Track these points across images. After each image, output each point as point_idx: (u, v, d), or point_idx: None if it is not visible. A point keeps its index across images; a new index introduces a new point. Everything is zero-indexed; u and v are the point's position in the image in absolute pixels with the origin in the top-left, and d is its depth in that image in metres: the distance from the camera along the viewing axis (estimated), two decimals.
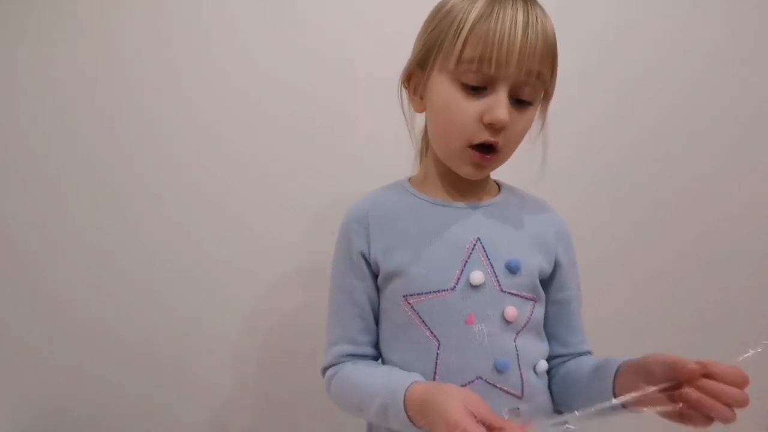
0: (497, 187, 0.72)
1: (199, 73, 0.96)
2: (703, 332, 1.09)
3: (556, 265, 0.67)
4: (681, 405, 0.47)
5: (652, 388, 0.49)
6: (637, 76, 1.04)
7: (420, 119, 0.70)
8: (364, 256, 0.65)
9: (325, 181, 0.98)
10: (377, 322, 0.68)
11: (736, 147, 1.08)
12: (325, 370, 0.68)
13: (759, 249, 1.10)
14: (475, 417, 0.48)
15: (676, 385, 0.48)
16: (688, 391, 0.46)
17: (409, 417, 0.55)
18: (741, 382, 0.45)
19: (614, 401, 0.50)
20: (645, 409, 0.50)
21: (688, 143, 1.07)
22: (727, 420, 0.45)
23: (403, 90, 0.68)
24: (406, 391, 0.56)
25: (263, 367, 1.02)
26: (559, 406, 0.66)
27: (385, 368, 0.64)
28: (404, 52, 0.65)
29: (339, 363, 0.66)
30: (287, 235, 0.99)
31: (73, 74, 0.94)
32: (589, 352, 0.69)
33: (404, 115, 0.69)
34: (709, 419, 0.46)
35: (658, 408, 0.49)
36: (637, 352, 0.56)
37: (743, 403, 0.45)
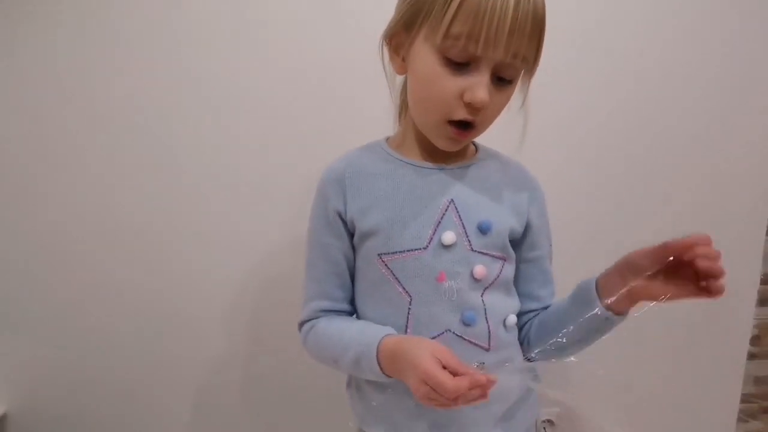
0: (474, 148, 0.73)
1: (193, 29, 0.94)
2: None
3: (528, 226, 0.69)
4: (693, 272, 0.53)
5: (640, 280, 0.56)
6: (620, 53, 1.04)
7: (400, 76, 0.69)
8: (340, 216, 0.66)
9: (322, 140, 0.97)
10: (352, 279, 0.70)
11: (716, 112, 1.09)
12: (301, 324, 0.71)
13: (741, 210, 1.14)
14: (444, 366, 0.52)
15: (658, 272, 0.55)
16: (698, 261, 0.52)
17: (381, 368, 0.58)
18: (710, 242, 0.53)
19: (604, 302, 0.58)
20: (647, 304, 0.57)
21: (666, 118, 1.08)
22: (723, 274, 0.53)
23: (384, 47, 0.66)
24: (378, 343, 0.59)
25: (255, 315, 1.05)
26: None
27: (359, 323, 0.67)
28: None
29: (315, 318, 0.69)
30: (281, 194, 1.00)
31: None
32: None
33: (385, 72, 0.68)
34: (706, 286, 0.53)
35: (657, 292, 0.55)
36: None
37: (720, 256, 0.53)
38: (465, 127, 0.60)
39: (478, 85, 0.56)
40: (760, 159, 1.12)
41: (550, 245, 0.74)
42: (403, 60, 0.63)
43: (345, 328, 0.65)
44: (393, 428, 0.66)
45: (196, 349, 1.04)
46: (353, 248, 0.68)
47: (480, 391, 0.51)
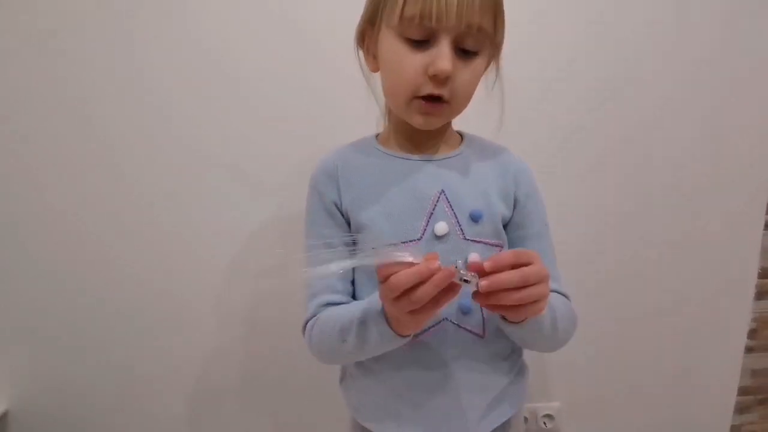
0: (459, 137, 0.74)
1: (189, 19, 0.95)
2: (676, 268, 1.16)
3: (516, 207, 0.70)
4: None
5: None
6: (593, 24, 1.03)
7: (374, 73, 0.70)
8: (337, 206, 0.68)
9: (307, 130, 0.99)
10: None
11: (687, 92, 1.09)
12: (306, 322, 0.68)
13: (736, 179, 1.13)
14: None
15: None
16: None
17: (387, 321, 0.57)
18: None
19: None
20: None
21: (662, 108, 1.08)
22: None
23: (359, 50, 0.68)
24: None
25: (247, 307, 1.05)
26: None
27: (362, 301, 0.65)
28: None
29: (318, 313, 0.68)
30: (271, 186, 1.01)
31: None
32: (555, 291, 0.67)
33: (363, 74, 0.70)
34: None
35: None
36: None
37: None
38: (435, 100, 0.62)
39: (438, 57, 0.58)
40: (759, 152, 1.12)
41: (544, 226, 0.72)
42: (374, 57, 0.65)
43: (348, 307, 0.64)
44: (386, 417, 0.67)
45: (195, 348, 1.05)
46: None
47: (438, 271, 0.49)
